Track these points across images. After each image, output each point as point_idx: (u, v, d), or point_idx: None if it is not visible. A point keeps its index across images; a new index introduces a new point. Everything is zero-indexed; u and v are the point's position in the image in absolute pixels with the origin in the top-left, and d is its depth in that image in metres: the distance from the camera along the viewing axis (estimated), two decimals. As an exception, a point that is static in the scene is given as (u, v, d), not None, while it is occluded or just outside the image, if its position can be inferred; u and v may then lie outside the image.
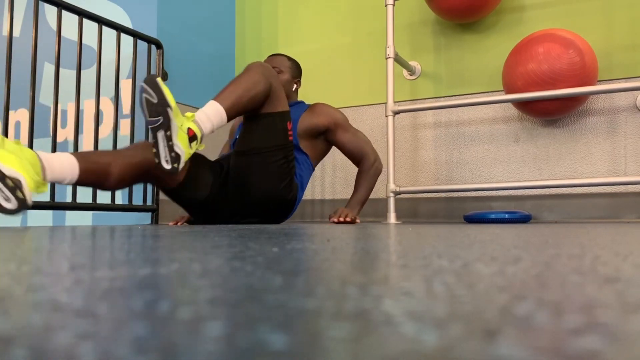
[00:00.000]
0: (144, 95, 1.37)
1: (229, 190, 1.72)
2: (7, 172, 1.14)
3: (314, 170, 1.94)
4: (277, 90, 1.67)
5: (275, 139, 1.68)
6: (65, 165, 1.33)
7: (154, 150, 1.42)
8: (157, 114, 1.38)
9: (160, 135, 1.40)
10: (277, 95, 1.67)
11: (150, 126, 1.40)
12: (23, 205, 1.16)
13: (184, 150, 1.43)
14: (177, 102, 2.51)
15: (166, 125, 1.39)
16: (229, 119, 1.54)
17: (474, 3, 2.21)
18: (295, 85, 2.00)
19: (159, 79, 1.38)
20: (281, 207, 1.75)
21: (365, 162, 1.91)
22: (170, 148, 1.41)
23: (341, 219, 1.75)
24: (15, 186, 1.15)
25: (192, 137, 1.45)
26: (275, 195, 1.71)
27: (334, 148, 2.69)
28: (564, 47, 1.98)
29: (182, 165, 1.44)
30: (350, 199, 1.90)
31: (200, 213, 1.77)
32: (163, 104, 1.37)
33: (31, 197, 1.18)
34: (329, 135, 1.91)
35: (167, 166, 1.42)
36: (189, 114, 1.47)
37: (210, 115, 1.50)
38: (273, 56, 2.00)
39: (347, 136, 1.91)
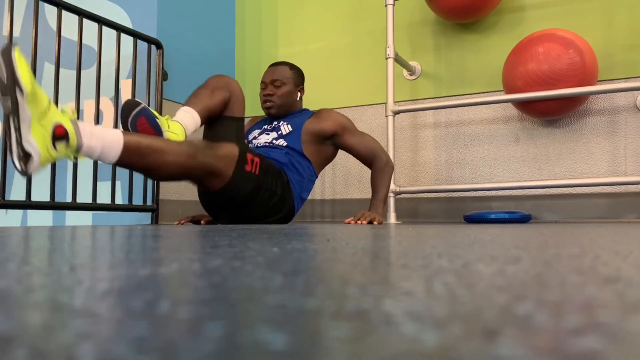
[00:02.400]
0: None
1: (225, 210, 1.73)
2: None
3: (317, 177, 1.93)
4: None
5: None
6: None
7: (6, 140, 1.14)
8: (5, 94, 1.10)
9: (12, 122, 1.11)
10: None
11: (2, 109, 1.13)
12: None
13: (39, 150, 1.14)
14: (176, 103, 2.52)
15: (15, 112, 1.10)
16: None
17: (474, 3, 2.21)
18: (299, 94, 1.97)
19: (16, 49, 1.10)
20: (278, 219, 1.79)
21: (378, 162, 1.91)
22: (18, 142, 1.12)
23: (359, 222, 1.74)
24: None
25: (58, 137, 1.16)
26: (268, 216, 1.75)
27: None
28: (564, 47, 1.98)
29: (34, 168, 1.15)
30: (371, 200, 1.89)
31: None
32: (12, 82, 1.09)
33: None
34: (336, 139, 1.91)
35: (17, 164, 1.13)
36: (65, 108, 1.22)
37: (103, 135, 1.27)
38: (274, 66, 1.96)
39: (355, 139, 1.91)
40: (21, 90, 1.09)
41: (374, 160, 1.92)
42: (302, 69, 2.80)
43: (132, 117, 1.38)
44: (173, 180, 1.47)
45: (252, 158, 1.63)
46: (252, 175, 1.62)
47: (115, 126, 2.16)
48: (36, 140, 1.13)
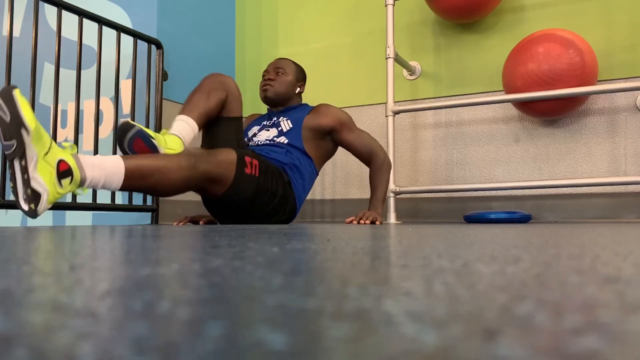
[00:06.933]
0: None
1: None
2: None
3: (317, 174, 1.93)
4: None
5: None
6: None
7: (12, 184, 1.13)
8: (11, 137, 1.09)
9: (17, 165, 1.11)
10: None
11: (5, 152, 1.11)
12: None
13: (47, 187, 1.12)
14: (176, 103, 2.52)
15: (20, 153, 1.09)
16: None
17: (474, 3, 2.21)
18: (298, 89, 2.00)
19: (16, 91, 1.09)
20: (281, 220, 1.80)
21: (376, 160, 1.91)
22: (26, 183, 1.10)
23: (362, 222, 1.74)
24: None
25: (62, 173, 1.15)
26: (271, 215, 1.75)
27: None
28: (564, 47, 1.98)
29: (43, 208, 1.14)
30: (370, 199, 1.89)
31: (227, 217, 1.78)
32: (17, 123, 1.08)
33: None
34: (335, 135, 1.91)
35: (24, 206, 1.12)
36: (65, 143, 1.23)
37: (101, 162, 1.27)
38: (278, 59, 2.01)
39: (354, 136, 1.91)
40: (27, 130, 1.08)
41: (372, 159, 1.91)
42: (303, 69, 2.81)
43: (128, 140, 1.36)
44: (177, 194, 1.46)
45: (250, 161, 1.63)
46: (252, 177, 1.62)
47: (116, 127, 2.16)
48: (43, 178, 1.11)
